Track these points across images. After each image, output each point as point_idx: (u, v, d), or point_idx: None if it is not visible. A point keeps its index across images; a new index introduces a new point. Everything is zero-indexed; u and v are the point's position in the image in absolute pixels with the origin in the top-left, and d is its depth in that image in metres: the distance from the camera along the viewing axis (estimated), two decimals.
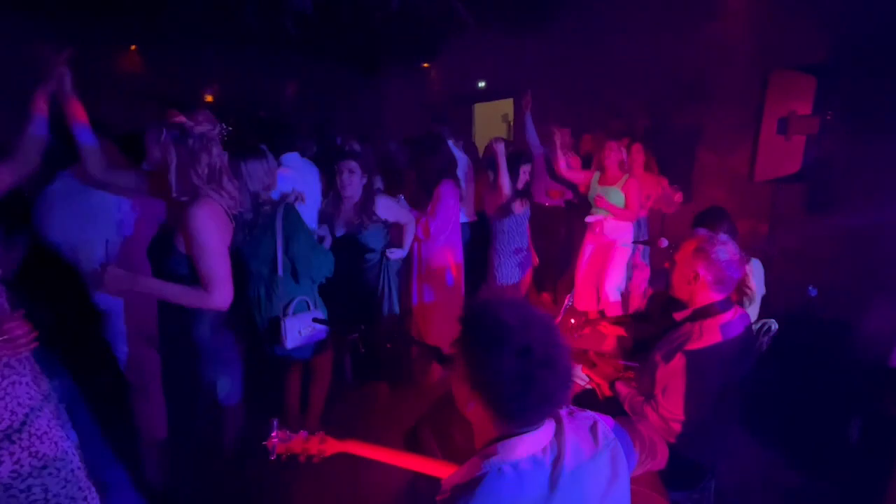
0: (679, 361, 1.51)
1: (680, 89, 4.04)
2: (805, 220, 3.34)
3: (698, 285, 1.53)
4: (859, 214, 2.56)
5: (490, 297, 2.89)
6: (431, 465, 1.20)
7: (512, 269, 2.96)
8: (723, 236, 1.55)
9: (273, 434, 1.20)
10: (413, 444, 1.91)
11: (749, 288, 1.65)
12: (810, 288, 2.38)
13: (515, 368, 0.78)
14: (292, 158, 2.53)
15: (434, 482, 1.24)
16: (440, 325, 2.78)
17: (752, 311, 1.94)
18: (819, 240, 3.21)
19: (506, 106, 6.50)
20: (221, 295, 1.37)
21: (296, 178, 2.35)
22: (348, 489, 1.62)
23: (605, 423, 0.93)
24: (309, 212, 2.34)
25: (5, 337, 1.05)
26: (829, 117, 2.60)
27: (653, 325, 1.96)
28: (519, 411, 0.80)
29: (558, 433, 0.86)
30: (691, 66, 3.94)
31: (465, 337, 0.84)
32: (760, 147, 2.43)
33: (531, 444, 0.82)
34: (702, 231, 1.64)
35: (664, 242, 2.25)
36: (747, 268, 1.64)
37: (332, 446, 1.23)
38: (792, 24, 3.23)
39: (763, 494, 2.01)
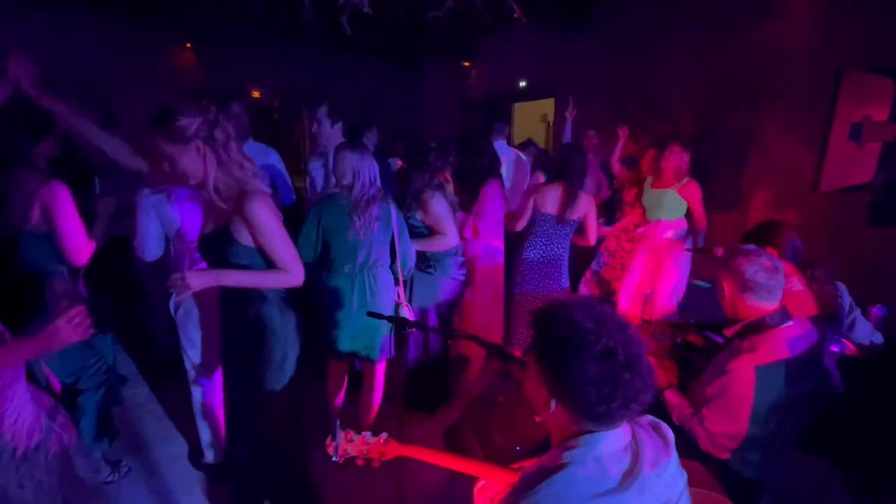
0: (730, 377, 1.47)
1: (733, 91, 3.85)
2: (869, 234, 3.14)
3: (730, 297, 1.54)
4: None
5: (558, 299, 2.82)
6: (492, 470, 1.17)
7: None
8: (750, 245, 1.57)
9: (337, 435, 1.17)
10: (453, 443, 1.91)
11: (839, 308, 1.62)
12: (879, 306, 2.22)
13: (600, 372, 0.76)
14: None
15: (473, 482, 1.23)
16: (483, 324, 2.76)
17: (856, 334, 1.89)
18: (886, 255, 3.01)
19: (546, 106, 6.39)
20: (300, 273, 1.47)
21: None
22: (390, 484, 1.64)
23: (664, 424, 0.92)
24: None
25: (76, 321, 1.13)
26: None
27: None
28: (606, 414, 0.79)
29: (635, 435, 0.85)
30: (747, 66, 3.75)
31: (542, 342, 0.83)
32: (829, 154, 2.27)
33: (613, 441, 0.82)
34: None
35: (721, 251, 2.16)
36: (841, 289, 1.62)
37: (395, 449, 1.19)
38: (865, 21, 3.02)
39: None
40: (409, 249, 2.15)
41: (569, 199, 2.63)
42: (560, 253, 2.77)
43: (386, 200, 2.02)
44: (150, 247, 1.89)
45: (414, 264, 2.20)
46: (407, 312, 2.12)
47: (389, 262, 2.09)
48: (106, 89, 4.30)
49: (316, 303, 2.03)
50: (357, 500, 2.01)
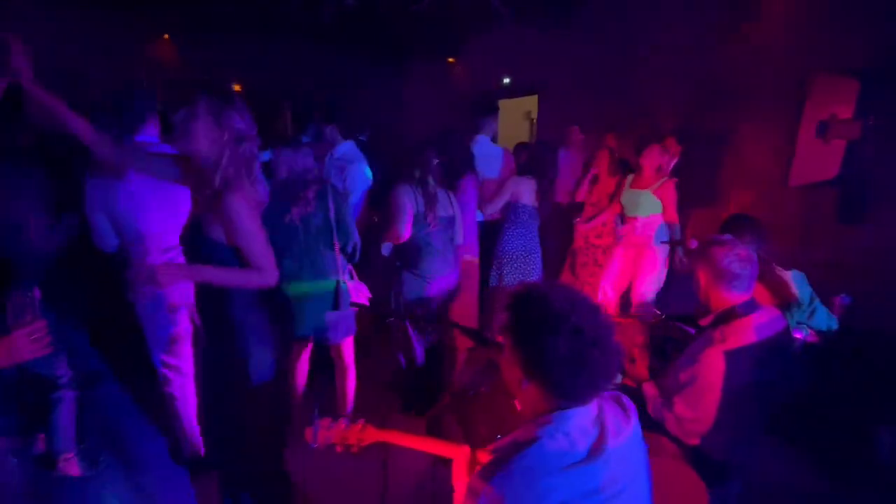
0: (700, 366, 1.53)
1: (712, 91, 3.96)
2: (837, 229, 3.26)
3: (704, 286, 1.58)
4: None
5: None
6: (468, 452, 1.20)
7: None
8: (726, 236, 1.59)
9: (315, 422, 1.20)
10: (436, 431, 1.94)
11: (792, 296, 1.67)
12: (843, 296, 2.32)
13: (568, 349, 0.80)
14: (347, 146, 2.66)
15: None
16: (460, 312, 2.79)
17: (815, 321, 1.97)
18: (852, 249, 3.13)
19: (529, 103, 6.45)
20: (273, 274, 1.44)
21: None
22: (373, 474, 1.65)
23: (625, 396, 0.97)
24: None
25: (35, 336, 1.10)
26: (871, 122, 2.53)
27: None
28: (574, 389, 0.83)
29: (601, 409, 0.90)
30: (725, 67, 3.86)
31: (516, 322, 0.87)
32: (798, 150, 2.38)
33: (582, 417, 0.86)
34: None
35: (694, 243, 2.23)
36: (787, 277, 1.66)
37: (372, 435, 1.23)
38: (833, 25, 3.14)
39: (787, 502, 1.98)
40: (352, 227, 2.21)
41: (542, 193, 2.75)
42: (536, 244, 2.87)
43: (322, 183, 2.08)
44: (106, 239, 1.84)
45: (358, 241, 2.26)
46: (353, 293, 2.15)
47: (332, 242, 2.13)
48: (82, 79, 4.18)
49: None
50: (339, 492, 2.02)
